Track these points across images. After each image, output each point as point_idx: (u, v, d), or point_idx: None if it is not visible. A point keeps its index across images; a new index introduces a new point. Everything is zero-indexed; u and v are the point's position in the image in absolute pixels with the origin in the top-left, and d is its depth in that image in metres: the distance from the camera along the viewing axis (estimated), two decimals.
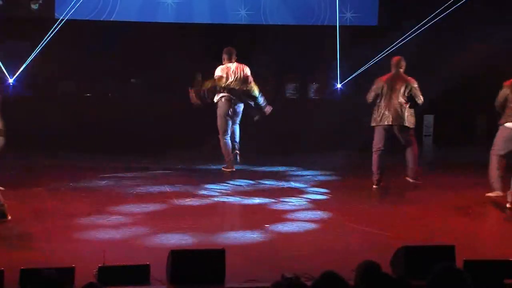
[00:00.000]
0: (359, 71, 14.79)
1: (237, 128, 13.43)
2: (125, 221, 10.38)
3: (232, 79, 13.05)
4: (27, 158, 12.45)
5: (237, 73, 13.10)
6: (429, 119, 15.36)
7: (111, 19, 14.98)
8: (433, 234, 9.49)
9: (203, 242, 8.96)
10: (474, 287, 5.40)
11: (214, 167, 13.82)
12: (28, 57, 13.32)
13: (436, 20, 14.07)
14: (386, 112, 12.15)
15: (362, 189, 12.51)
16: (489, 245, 8.97)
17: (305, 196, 12.03)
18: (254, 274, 7.51)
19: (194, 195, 11.88)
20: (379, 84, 12.16)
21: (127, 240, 9.45)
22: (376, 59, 14.45)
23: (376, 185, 12.46)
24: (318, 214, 10.92)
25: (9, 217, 9.97)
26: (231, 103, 13.11)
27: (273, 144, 15.11)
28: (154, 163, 13.73)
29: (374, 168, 12.47)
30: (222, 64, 13.08)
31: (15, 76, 13.34)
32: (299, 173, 14.03)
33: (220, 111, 13.17)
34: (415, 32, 14.16)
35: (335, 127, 14.91)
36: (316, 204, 11.54)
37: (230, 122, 13.25)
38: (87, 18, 14.81)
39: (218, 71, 12.95)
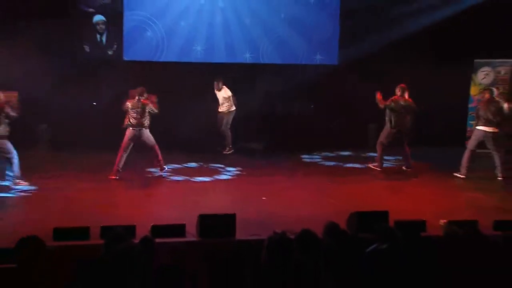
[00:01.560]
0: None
1: None
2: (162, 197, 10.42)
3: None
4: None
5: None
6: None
7: (160, 60, 14.93)
8: (375, 203, 9.47)
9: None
10: (401, 238, 5.40)
11: None
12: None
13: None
14: (398, 121, 12.29)
15: (330, 173, 12.48)
16: (410, 211, 8.97)
17: (287, 178, 11.99)
18: (254, 230, 7.52)
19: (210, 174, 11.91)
20: (394, 101, 12.26)
21: (168, 208, 9.48)
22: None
23: (380, 168, 12.60)
24: (297, 191, 10.89)
25: None
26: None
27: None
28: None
29: (379, 157, 12.63)
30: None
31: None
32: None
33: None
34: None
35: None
36: (294, 184, 11.50)
37: None
38: (144, 60, 14.78)
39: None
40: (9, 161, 10.06)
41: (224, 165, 12.82)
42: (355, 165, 13.18)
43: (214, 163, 12.91)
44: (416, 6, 14.93)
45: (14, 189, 10.01)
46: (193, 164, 12.80)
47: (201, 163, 12.85)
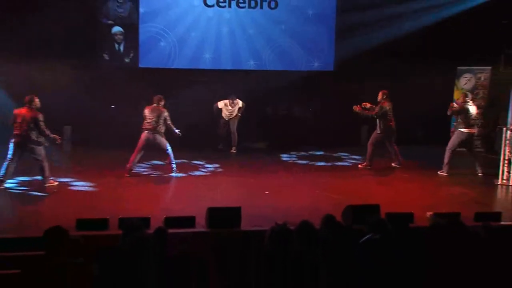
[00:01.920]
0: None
1: None
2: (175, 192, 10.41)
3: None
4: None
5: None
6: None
7: (173, 67, 14.96)
8: (367, 197, 9.46)
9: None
10: (391, 229, 5.39)
11: None
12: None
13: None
14: (385, 125, 12.19)
15: (325, 169, 12.46)
16: (399, 204, 8.95)
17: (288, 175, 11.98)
18: (259, 222, 7.52)
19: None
20: (385, 107, 12.12)
21: (179, 202, 9.48)
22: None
23: (369, 166, 12.40)
24: (298, 187, 10.86)
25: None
26: None
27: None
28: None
29: (368, 156, 12.39)
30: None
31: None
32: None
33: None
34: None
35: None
36: (294, 180, 11.49)
37: None
38: (158, 67, 14.83)
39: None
40: (40, 165, 9.96)
41: (232, 163, 12.87)
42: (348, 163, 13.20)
43: (222, 161, 12.93)
44: (406, 16, 14.93)
45: (45, 187, 9.99)
46: (207, 163, 12.72)
47: (215, 163, 12.79)
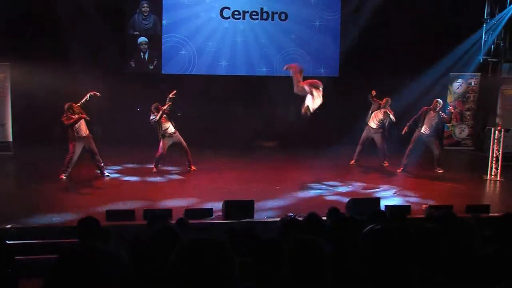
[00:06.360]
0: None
1: None
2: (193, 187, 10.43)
3: None
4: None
5: None
6: None
7: (192, 73, 15.01)
8: (369, 192, 9.46)
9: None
10: (389, 219, 5.39)
11: None
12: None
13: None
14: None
15: (331, 166, 12.42)
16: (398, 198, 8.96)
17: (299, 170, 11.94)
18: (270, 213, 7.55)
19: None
20: None
21: (198, 195, 9.50)
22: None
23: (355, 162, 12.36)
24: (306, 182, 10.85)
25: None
26: None
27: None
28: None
29: (357, 152, 12.29)
30: None
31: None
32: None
33: None
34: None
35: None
36: (302, 174, 11.47)
37: None
38: (179, 73, 14.89)
39: None
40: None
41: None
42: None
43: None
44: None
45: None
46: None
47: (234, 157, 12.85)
